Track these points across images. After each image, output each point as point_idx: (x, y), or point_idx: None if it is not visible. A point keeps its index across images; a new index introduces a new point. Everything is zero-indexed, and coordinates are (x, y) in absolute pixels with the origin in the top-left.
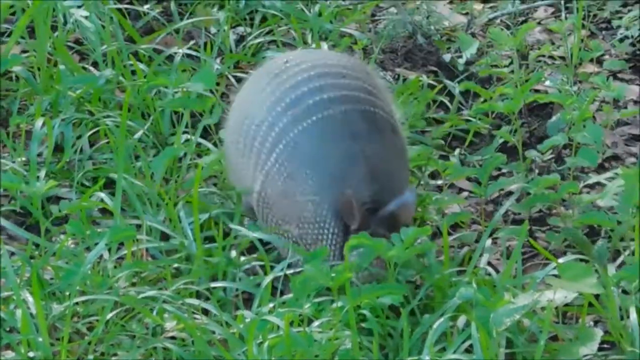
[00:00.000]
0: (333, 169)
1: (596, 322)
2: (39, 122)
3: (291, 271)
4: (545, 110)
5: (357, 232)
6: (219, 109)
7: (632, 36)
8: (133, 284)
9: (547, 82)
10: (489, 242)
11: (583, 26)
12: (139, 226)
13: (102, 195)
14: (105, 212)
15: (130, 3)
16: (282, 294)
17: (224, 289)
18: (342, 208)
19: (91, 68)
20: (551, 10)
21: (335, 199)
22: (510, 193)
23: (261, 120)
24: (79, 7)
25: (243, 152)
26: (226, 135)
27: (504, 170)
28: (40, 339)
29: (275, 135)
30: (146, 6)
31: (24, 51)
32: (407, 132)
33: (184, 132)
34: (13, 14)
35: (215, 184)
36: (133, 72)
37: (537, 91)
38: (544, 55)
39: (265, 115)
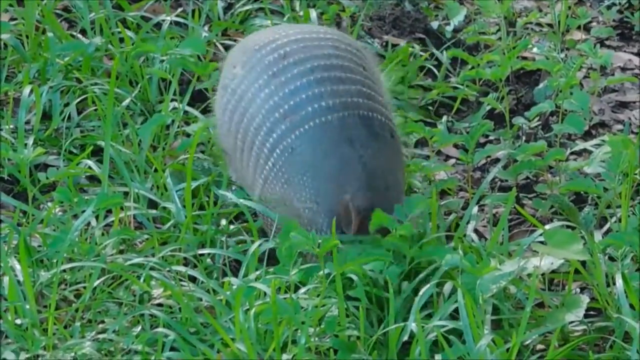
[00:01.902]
0: (330, 176)
1: (582, 289)
2: (27, 89)
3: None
4: (532, 78)
5: None
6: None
7: (619, 3)
8: (120, 252)
9: (535, 49)
10: (475, 209)
11: None
12: (126, 194)
13: (90, 162)
14: (92, 179)
15: None
16: (269, 261)
17: (212, 257)
18: (340, 215)
19: (79, 36)
20: None
21: (331, 206)
22: (497, 160)
23: (259, 124)
24: None
25: (242, 148)
26: (220, 117)
27: (491, 137)
28: (28, 306)
29: (272, 141)
30: None
31: (13, 19)
32: (394, 99)
33: (172, 100)
34: None
35: (202, 152)
36: (121, 40)
37: (524, 58)
38: (531, 23)
39: (263, 120)
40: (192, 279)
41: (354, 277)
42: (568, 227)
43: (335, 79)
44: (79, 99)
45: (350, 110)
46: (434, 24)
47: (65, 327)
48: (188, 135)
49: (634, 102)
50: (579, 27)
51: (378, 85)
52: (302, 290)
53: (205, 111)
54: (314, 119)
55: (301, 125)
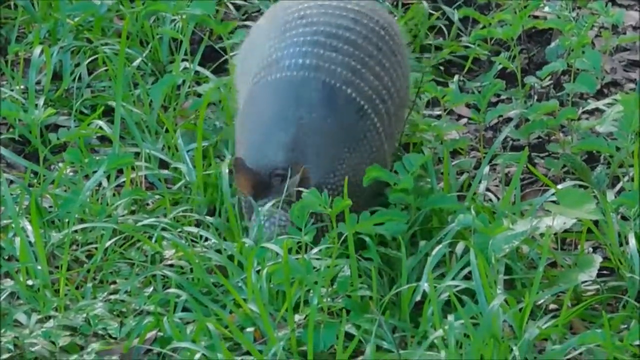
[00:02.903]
0: (263, 127)
1: (595, 249)
2: (38, 50)
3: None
4: (544, 37)
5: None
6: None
7: None
8: (132, 212)
9: (546, 8)
10: (487, 168)
11: None
12: (137, 154)
13: (101, 123)
14: (104, 140)
15: None
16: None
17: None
18: (232, 170)
19: None
20: None
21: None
22: (509, 119)
23: (254, 70)
24: None
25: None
26: (238, 60)
27: (502, 97)
28: (39, 267)
29: (250, 87)
30: None
31: None
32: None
33: (183, 60)
34: None
35: (213, 112)
36: (132, 0)
37: (536, 17)
38: None
39: (256, 66)
40: (204, 240)
41: (366, 238)
42: (580, 186)
43: (328, 46)
44: (89, 60)
45: (317, 73)
46: None
47: (76, 288)
48: (199, 96)
49: None
50: None
51: (387, 70)
52: (314, 250)
53: (217, 71)
54: (281, 72)
55: (269, 75)
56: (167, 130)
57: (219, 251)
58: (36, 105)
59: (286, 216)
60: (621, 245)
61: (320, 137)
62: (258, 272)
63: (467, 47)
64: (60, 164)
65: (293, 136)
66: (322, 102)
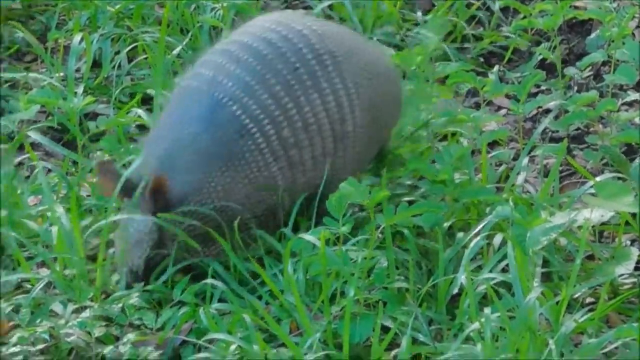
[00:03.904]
0: (152, 136)
1: (633, 241)
2: (78, 37)
3: None
4: (584, 27)
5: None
6: None
7: None
8: None
9: None
10: (526, 160)
11: None
12: None
13: (140, 111)
14: (142, 128)
15: None
16: (319, 215)
17: None
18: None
19: None
20: None
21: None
22: (548, 110)
23: None
24: None
25: None
26: None
27: (542, 88)
28: (76, 257)
29: None
30: None
31: None
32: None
33: None
34: None
35: None
36: None
37: (576, 8)
38: None
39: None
40: None
41: (404, 230)
42: (619, 178)
43: (233, 57)
44: (129, 47)
45: (209, 86)
46: None
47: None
48: None
49: None
50: None
51: (293, 92)
52: (352, 241)
53: None
54: (186, 79)
55: (180, 81)
56: None
57: (255, 242)
58: (75, 93)
59: (144, 224)
60: None
61: (192, 153)
62: (295, 263)
63: (507, 37)
64: (99, 152)
65: (166, 149)
66: (203, 117)
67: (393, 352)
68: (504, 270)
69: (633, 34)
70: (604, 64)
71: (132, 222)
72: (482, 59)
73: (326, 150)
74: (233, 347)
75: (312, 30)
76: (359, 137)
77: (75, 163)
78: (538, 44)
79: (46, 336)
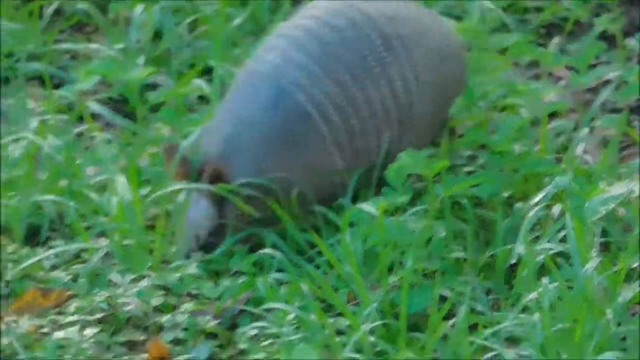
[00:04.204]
0: (216, 118)
1: None
2: (139, 8)
3: None
4: None
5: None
6: None
7: None
8: None
9: None
10: (586, 131)
11: None
12: None
13: (200, 82)
14: (202, 99)
15: None
16: (377, 186)
17: None
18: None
19: None
20: None
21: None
22: (608, 82)
23: None
24: None
25: None
26: None
27: (602, 59)
28: (135, 227)
29: None
30: None
31: None
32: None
33: (283, 20)
34: None
35: None
36: None
37: None
38: None
39: None
40: None
41: (462, 200)
42: None
43: (298, 44)
44: (189, 19)
45: (275, 70)
46: None
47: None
48: None
49: None
50: None
51: (360, 81)
52: (410, 212)
53: None
54: (252, 63)
55: (246, 65)
56: None
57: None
58: (135, 64)
59: (207, 208)
60: None
61: (256, 136)
62: (353, 232)
63: (568, 9)
64: (159, 124)
65: (231, 130)
66: (266, 103)
67: (450, 322)
68: (562, 241)
69: None
70: None
71: (193, 201)
72: (542, 31)
73: (393, 136)
74: (290, 316)
75: (381, 12)
76: (427, 120)
77: (135, 134)
78: (598, 15)
79: (104, 305)
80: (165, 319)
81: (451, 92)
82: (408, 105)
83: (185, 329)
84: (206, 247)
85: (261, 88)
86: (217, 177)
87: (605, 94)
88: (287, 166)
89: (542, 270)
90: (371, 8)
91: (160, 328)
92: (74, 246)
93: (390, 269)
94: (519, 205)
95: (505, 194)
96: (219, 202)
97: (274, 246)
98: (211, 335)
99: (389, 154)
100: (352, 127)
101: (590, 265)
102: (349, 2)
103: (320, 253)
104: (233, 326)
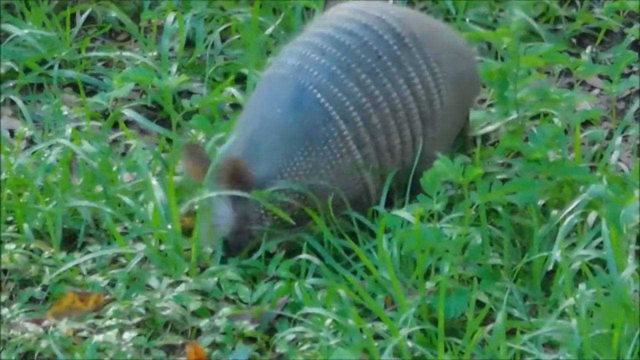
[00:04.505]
0: (241, 121)
1: None
2: (171, 17)
3: None
4: None
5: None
6: None
7: None
8: None
9: None
10: (619, 139)
11: None
12: None
13: (233, 90)
14: (236, 107)
15: None
16: (412, 193)
17: None
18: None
19: None
20: None
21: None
22: None
23: None
24: None
25: None
26: None
27: (635, 68)
28: (171, 232)
29: None
30: None
31: None
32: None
33: None
34: None
35: None
36: None
37: None
38: None
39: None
40: None
41: (498, 207)
42: None
43: (318, 49)
44: (222, 27)
45: (297, 74)
46: None
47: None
48: None
49: None
50: None
51: (379, 79)
52: (446, 218)
53: None
54: (273, 69)
55: (267, 70)
56: None
57: (348, 217)
58: (169, 71)
59: (226, 210)
60: None
61: (278, 135)
62: (390, 239)
63: (599, 19)
64: (193, 131)
65: (254, 131)
66: (289, 101)
67: (488, 327)
68: (598, 248)
69: None
70: None
71: (215, 203)
72: (574, 40)
73: (415, 134)
74: (328, 321)
75: (391, 15)
76: (447, 116)
77: (169, 141)
78: (630, 25)
79: (142, 310)
80: (203, 323)
81: (468, 87)
82: (428, 102)
83: (224, 333)
84: (234, 249)
85: (282, 90)
86: (237, 177)
87: (638, 103)
88: (307, 167)
89: (578, 277)
90: (380, 12)
91: (198, 332)
92: (111, 251)
93: (427, 275)
94: (554, 212)
95: (541, 202)
96: (241, 204)
97: (310, 252)
98: (249, 340)
99: (416, 152)
100: (373, 126)
101: (627, 272)
102: (359, 9)
103: (357, 259)
104: (271, 330)
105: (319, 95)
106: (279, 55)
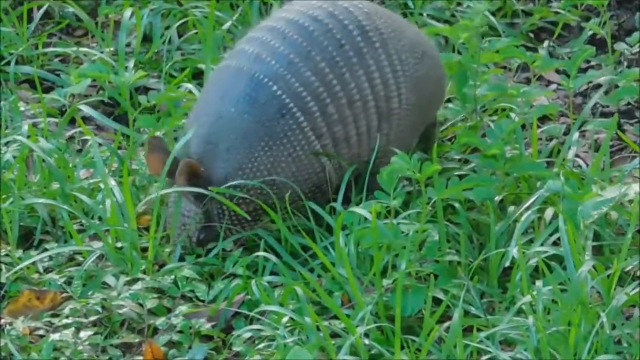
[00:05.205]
0: (194, 116)
1: None
2: (128, 12)
3: None
4: (634, 3)
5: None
6: None
7: None
8: None
9: None
10: (577, 135)
11: None
12: None
13: (190, 85)
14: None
15: None
16: (369, 189)
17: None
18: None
19: None
20: None
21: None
22: (598, 86)
23: None
24: None
25: None
26: None
27: (592, 63)
28: (128, 229)
29: None
30: None
31: None
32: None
33: None
34: None
35: None
36: None
37: None
38: None
39: None
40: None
41: (455, 203)
42: None
43: (279, 34)
44: (179, 22)
45: (253, 64)
46: None
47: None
48: None
49: None
50: None
51: (339, 69)
52: (403, 215)
53: None
54: (228, 59)
55: (223, 60)
56: None
57: (305, 212)
58: (126, 67)
59: (189, 207)
60: None
61: (235, 132)
62: (347, 236)
63: (557, 12)
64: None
65: (210, 129)
66: (244, 97)
67: (445, 325)
68: (555, 244)
69: None
70: None
71: (180, 201)
72: (532, 35)
73: (370, 127)
74: (285, 319)
75: (359, 8)
76: (405, 115)
77: (126, 137)
78: (588, 19)
79: (98, 308)
80: (160, 321)
81: (431, 90)
82: (386, 98)
83: (180, 332)
84: (203, 243)
85: (237, 84)
86: (192, 178)
87: (595, 98)
88: (268, 162)
89: (535, 274)
90: (349, 4)
91: (155, 331)
92: (68, 248)
93: (384, 272)
94: (511, 208)
95: (498, 198)
96: (202, 201)
97: (267, 249)
98: (206, 338)
99: (371, 145)
100: (330, 115)
101: (584, 268)
102: (328, 1)
103: (314, 256)
104: (228, 329)
105: (274, 88)
106: (239, 42)
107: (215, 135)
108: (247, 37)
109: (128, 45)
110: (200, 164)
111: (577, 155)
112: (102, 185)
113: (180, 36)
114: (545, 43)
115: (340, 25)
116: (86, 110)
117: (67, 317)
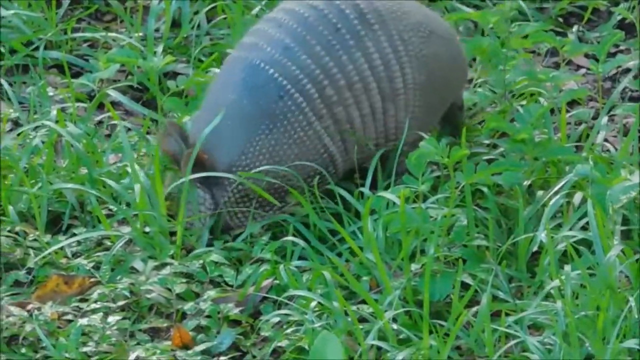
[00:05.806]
0: (202, 105)
1: None
2: None
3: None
4: None
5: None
6: None
7: None
8: None
9: None
10: (606, 119)
11: None
12: None
13: (218, 70)
14: None
15: None
16: (397, 173)
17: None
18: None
19: None
20: None
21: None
22: (627, 70)
23: None
24: None
25: None
26: None
27: (621, 47)
28: (157, 214)
29: None
30: None
31: None
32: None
33: None
34: None
35: None
36: None
37: None
38: None
39: None
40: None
41: (484, 188)
42: None
43: (276, 21)
44: (208, 7)
45: (250, 52)
46: None
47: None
48: None
49: None
50: None
51: (335, 51)
52: (431, 199)
53: None
54: (233, 51)
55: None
56: None
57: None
58: (155, 52)
59: (202, 195)
60: None
61: (236, 119)
62: (375, 220)
63: None
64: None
65: (212, 118)
66: (242, 83)
67: (473, 309)
68: (584, 228)
69: None
70: None
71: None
72: (561, 19)
73: (375, 108)
74: (313, 303)
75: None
76: (415, 96)
77: (155, 122)
78: (617, 4)
79: (127, 293)
80: (188, 306)
81: (443, 70)
82: (388, 78)
83: (209, 317)
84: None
85: (235, 71)
86: (197, 165)
87: (624, 82)
88: (270, 145)
89: (564, 258)
90: None
91: (183, 315)
92: (96, 233)
93: (412, 257)
94: (540, 193)
95: (526, 182)
96: (211, 188)
97: (296, 234)
98: (234, 323)
99: (378, 130)
100: (328, 97)
101: (613, 252)
102: None
103: (342, 240)
104: (256, 313)
105: (271, 71)
106: (244, 36)
107: (219, 124)
108: (251, 29)
109: (157, 30)
110: (204, 152)
111: (605, 140)
112: (129, 170)
113: (209, 21)
114: (575, 27)
115: (336, 10)
116: (115, 95)
117: (95, 302)
